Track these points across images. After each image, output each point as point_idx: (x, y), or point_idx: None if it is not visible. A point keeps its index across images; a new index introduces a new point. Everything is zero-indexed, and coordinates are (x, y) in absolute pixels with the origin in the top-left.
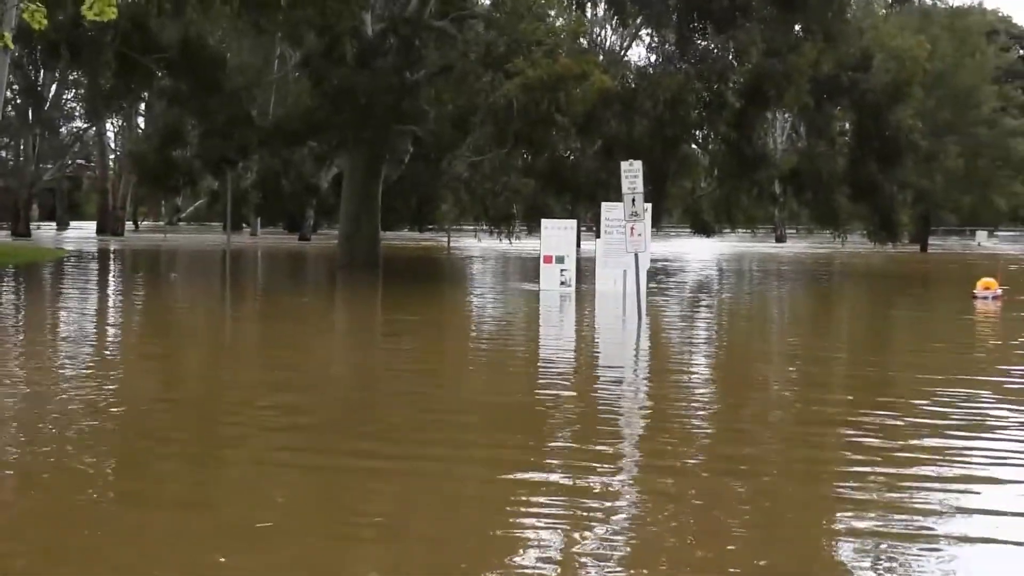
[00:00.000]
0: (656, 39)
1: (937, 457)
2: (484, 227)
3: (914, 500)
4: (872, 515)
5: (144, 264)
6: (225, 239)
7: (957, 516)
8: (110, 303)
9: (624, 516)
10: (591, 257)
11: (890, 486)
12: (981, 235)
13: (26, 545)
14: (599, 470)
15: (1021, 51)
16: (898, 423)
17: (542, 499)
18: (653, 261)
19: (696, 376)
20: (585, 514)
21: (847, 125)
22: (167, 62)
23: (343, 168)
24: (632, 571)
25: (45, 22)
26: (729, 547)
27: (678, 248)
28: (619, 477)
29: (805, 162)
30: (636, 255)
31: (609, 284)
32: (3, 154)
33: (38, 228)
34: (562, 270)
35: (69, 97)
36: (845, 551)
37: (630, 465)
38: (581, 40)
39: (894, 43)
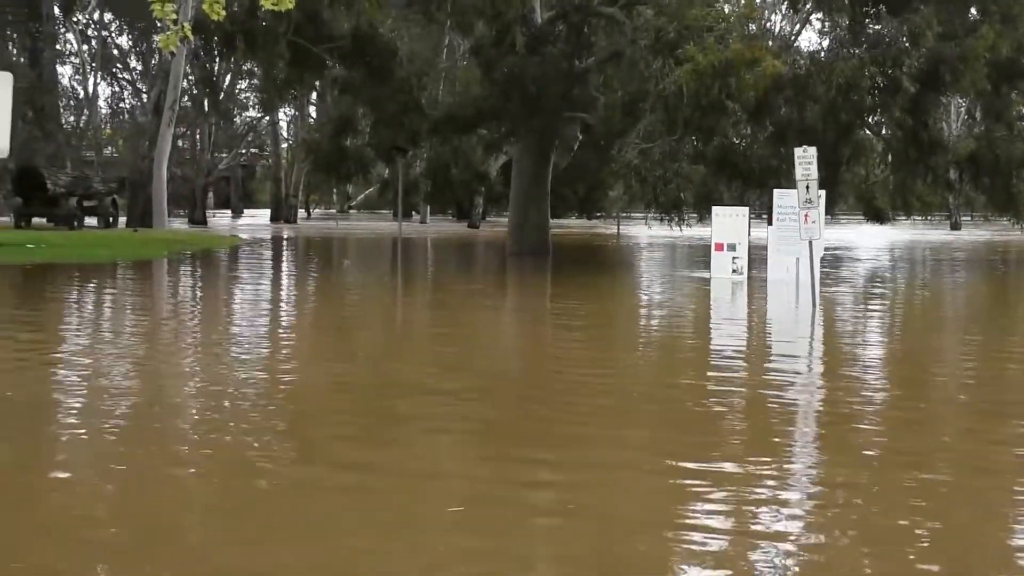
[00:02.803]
0: (828, 24)
1: None
2: (653, 214)
3: None
4: None
5: (317, 251)
6: (396, 226)
7: None
8: (284, 289)
9: (801, 508)
10: (763, 245)
11: None
12: None
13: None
14: (770, 461)
15: None
16: None
17: (715, 490)
18: (827, 249)
19: (871, 368)
20: (760, 503)
21: None
22: (339, 52)
23: (512, 156)
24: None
25: (223, 13)
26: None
27: (852, 235)
28: (794, 469)
29: (982, 147)
30: (810, 242)
31: (782, 272)
32: (180, 143)
33: (214, 215)
34: (734, 258)
35: (244, 87)
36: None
37: (800, 462)
38: (752, 26)
39: None
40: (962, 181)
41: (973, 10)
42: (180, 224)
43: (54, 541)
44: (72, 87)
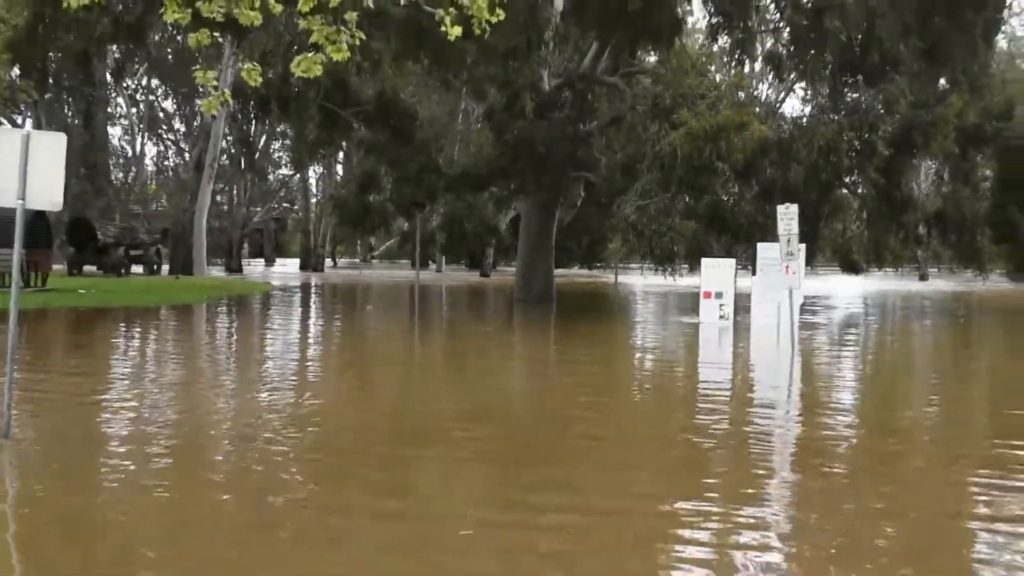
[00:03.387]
0: (810, 92)
1: None
2: (649, 265)
3: None
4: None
5: (342, 296)
6: (414, 275)
7: None
8: (311, 330)
9: (771, 527)
10: (748, 293)
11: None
12: None
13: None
14: (753, 492)
15: None
16: None
17: (703, 524)
18: (806, 297)
19: (843, 406)
20: (738, 527)
21: (988, 172)
22: (364, 115)
23: (521, 211)
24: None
25: (260, 79)
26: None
27: (829, 285)
28: (772, 493)
29: (949, 206)
30: (791, 291)
31: (764, 318)
32: (218, 198)
33: (248, 264)
34: (720, 304)
35: (277, 147)
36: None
37: (781, 489)
38: (740, 93)
39: None
40: (930, 236)
41: (943, 81)
42: (218, 272)
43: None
44: (121, 146)
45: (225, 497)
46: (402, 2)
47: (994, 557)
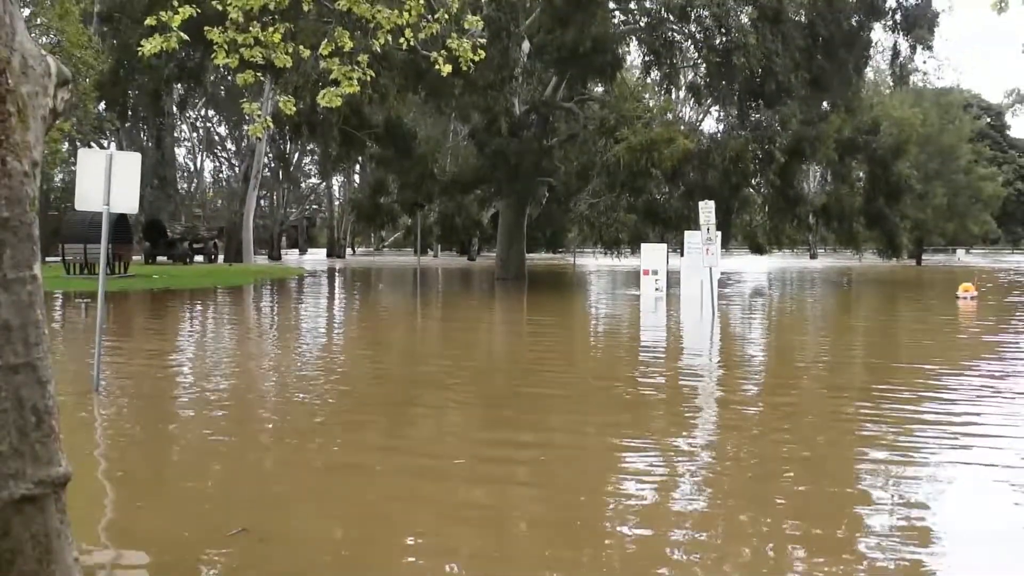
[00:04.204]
0: (722, 113)
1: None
2: (599, 249)
3: (912, 431)
4: (882, 445)
5: (360, 276)
6: (415, 259)
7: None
8: (336, 302)
9: (699, 450)
10: (677, 270)
11: (898, 427)
12: (960, 252)
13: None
14: (685, 423)
15: (988, 119)
16: (902, 389)
17: (647, 442)
18: (723, 273)
19: (753, 356)
20: (674, 452)
21: (861, 173)
22: (375, 136)
23: (499, 208)
24: (709, 492)
25: (293, 109)
26: (785, 475)
27: (740, 264)
28: (699, 423)
29: (831, 200)
30: (710, 269)
31: (690, 290)
32: (262, 202)
33: (286, 253)
34: (656, 280)
35: (307, 161)
36: (859, 470)
37: (706, 419)
38: (668, 115)
39: (896, 113)
40: (818, 224)
41: (825, 104)
42: (262, 260)
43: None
44: (185, 163)
45: (267, 439)
46: (404, 46)
47: (867, 465)
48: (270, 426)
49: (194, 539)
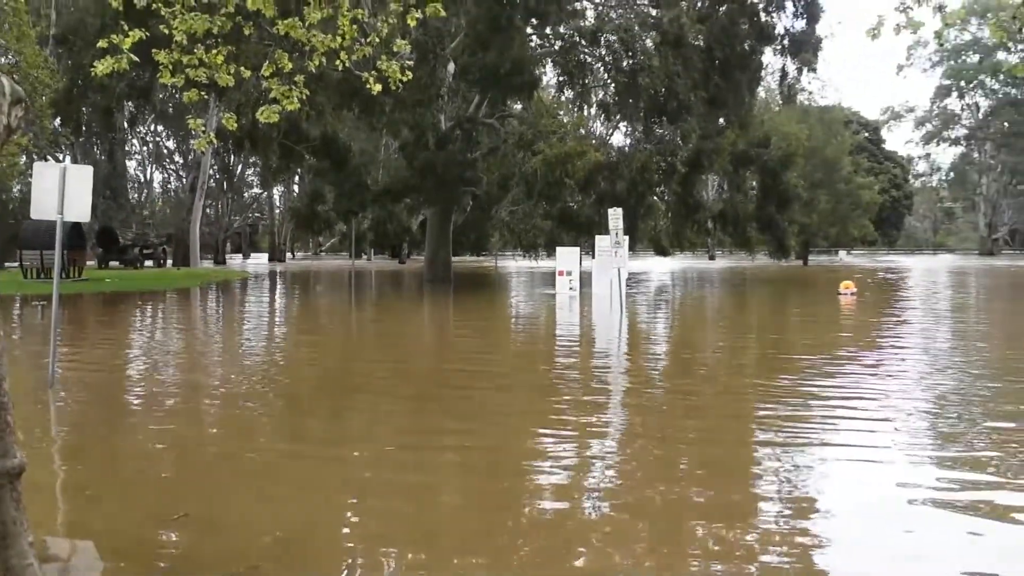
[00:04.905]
0: (629, 129)
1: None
2: (519, 252)
3: (799, 415)
4: (774, 431)
5: (299, 279)
6: (350, 263)
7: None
8: (277, 303)
9: (610, 429)
10: (589, 271)
11: (788, 413)
12: (842, 253)
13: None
14: (597, 406)
15: (866, 134)
16: (790, 374)
17: (563, 424)
18: (630, 273)
19: (657, 346)
20: (587, 432)
21: (754, 183)
22: (312, 149)
23: (427, 215)
24: (617, 460)
25: (236, 124)
26: (680, 446)
27: (646, 265)
28: (610, 405)
29: (727, 207)
30: (619, 270)
31: (601, 289)
32: (208, 211)
33: (231, 258)
34: (570, 280)
35: (250, 173)
36: (756, 451)
37: (616, 402)
38: (581, 130)
39: (784, 129)
40: (715, 228)
41: (721, 120)
42: (208, 264)
43: (127, 477)
44: (136, 175)
45: (212, 429)
46: (338, 67)
47: (760, 438)
48: (215, 417)
49: (140, 524)
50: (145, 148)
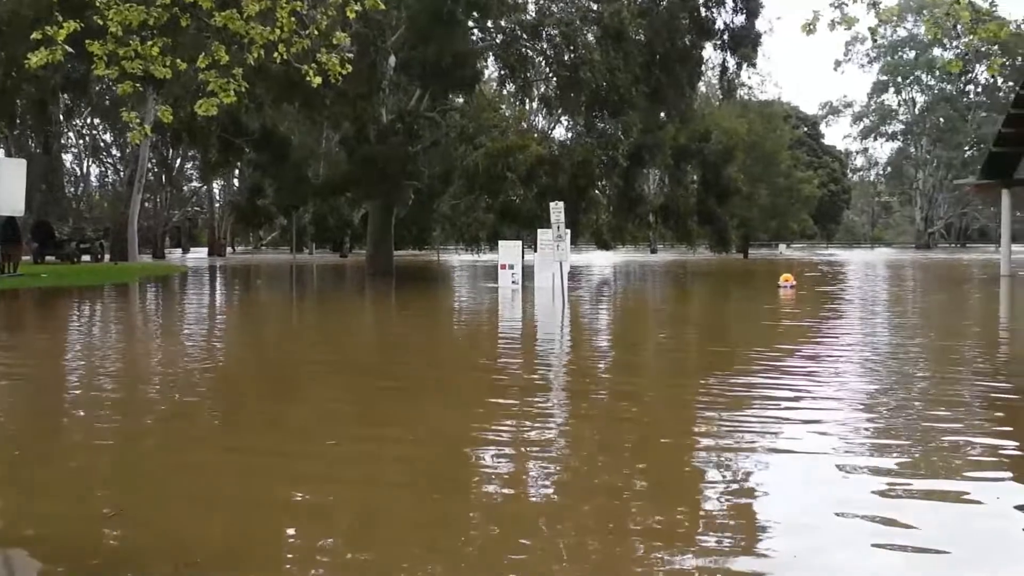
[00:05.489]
0: (571, 123)
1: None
2: (461, 246)
3: (732, 404)
4: (713, 418)
5: (239, 273)
6: (292, 257)
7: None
8: (216, 297)
9: (555, 420)
10: (531, 265)
11: (726, 400)
12: (782, 247)
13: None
14: (540, 397)
15: (805, 129)
16: (731, 367)
17: (504, 417)
18: (572, 267)
19: (600, 339)
20: (530, 424)
21: (695, 177)
22: (252, 142)
23: (368, 209)
24: (559, 452)
25: (171, 117)
26: (627, 446)
27: (588, 258)
28: (553, 399)
29: (668, 201)
30: (561, 263)
31: (543, 283)
32: (146, 204)
33: (170, 252)
34: (512, 273)
35: (189, 166)
36: (694, 440)
37: (559, 393)
38: (523, 124)
39: (725, 123)
40: (657, 222)
41: (662, 114)
42: (146, 258)
43: (55, 477)
44: (73, 168)
45: (149, 425)
46: (277, 60)
47: (701, 436)
48: (152, 413)
49: (73, 520)
50: (82, 141)
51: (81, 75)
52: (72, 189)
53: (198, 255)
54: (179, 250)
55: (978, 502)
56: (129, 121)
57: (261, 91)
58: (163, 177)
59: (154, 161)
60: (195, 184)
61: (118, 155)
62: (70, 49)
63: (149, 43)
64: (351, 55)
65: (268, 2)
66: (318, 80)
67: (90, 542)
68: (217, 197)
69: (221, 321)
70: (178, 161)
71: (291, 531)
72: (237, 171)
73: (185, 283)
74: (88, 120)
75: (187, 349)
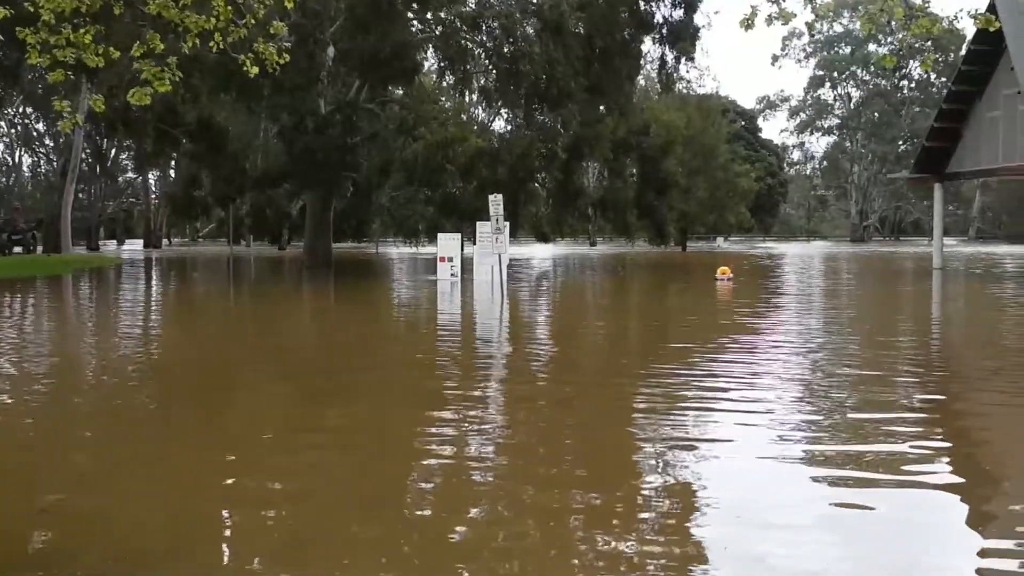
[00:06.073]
0: (511, 115)
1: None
2: (400, 239)
3: (676, 392)
4: (651, 410)
5: (176, 265)
6: (229, 249)
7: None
8: (152, 289)
9: (491, 409)
10: (470, 257)
11: (663, 390)
12: (720, 240)
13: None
14: (479, 388)
15: (743, 123)
16: (668, 361)
17: (445, 409)
18: (511, 260)
19: (539, 330)
20: (470, 417)
21: (634, 170)
22: (189, 133)
23: (306, 201)
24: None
25: (103, 107)
26: (567, 439)
27: (527, 251)
28: (491, 388)
29: (608, 194)
30: (500, 256)
31: (482, 275)
32: (80, 195)
33: (104, 244)
34: (452, 266)
35: (124, 157)
36: (631, 434)
37: (497, 386)
38: (463, 116)
39: (663, 117)
40: (596, 215)
41: (602, 107)
42: (80, 250)
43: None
44: (4, 158)
45: (83, 419)
46: (213, 49)
47: (638, 429)
48: (87, 407)
49: (4, 517)
50: (13, 131)
51: (12, 63)
52: (3, 180)
53: (133, 247)
54: (114, 242)
55: (905, 487)
56: (61, 110)
57: (198, 81)
58: (97, 168)
59: (88, 151)
60: (130, 175)
61: (51, 145)
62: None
63: (82, 30)
64: (289, 45)
65: None
66: (255, 70)
67: (20, 540)
68: (153, 188)
69: (156, 314)
70: (113, 151)
71: (227, 524)
72: (173, 162)
73: (120, 276)
74: (20, 108)
75: (126, 343)
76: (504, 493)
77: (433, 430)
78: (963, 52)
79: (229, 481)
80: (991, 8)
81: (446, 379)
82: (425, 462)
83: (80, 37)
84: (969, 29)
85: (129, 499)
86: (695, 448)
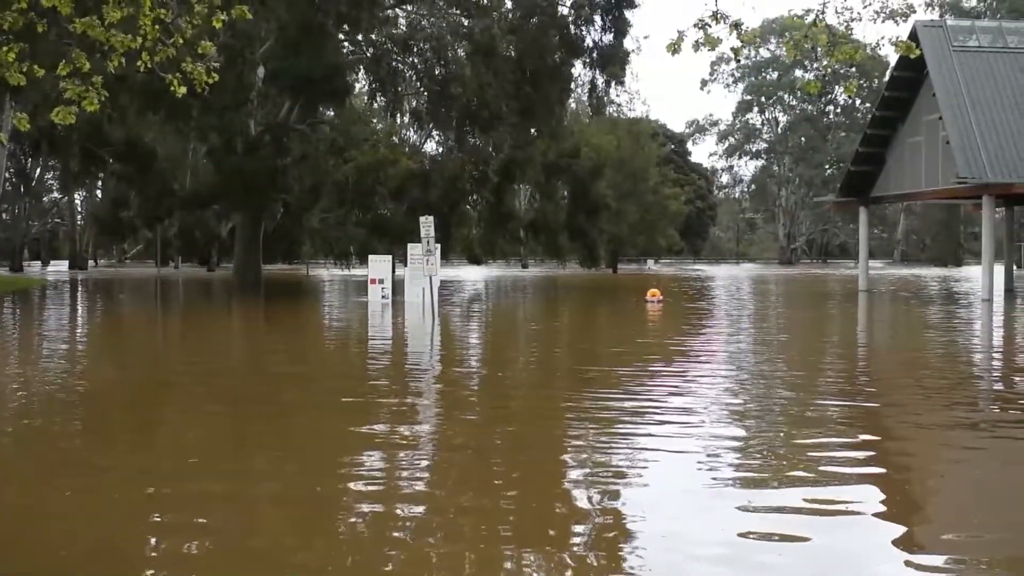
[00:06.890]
0: (442, 137)
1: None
2: (331, 260)
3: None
4: (582, 429)
5: (102, 287)
6: (156, 271)
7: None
8: (78, 311)
9: (423, 430)
10: (401, 279)
11: (598, 404)
12: (650, 262)
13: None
14: (407, 410)
15: (672, 146)
16: (600, 381)
17: (378, 424)
18: (443, 281)
19: (470, 354)
20: (400, 437)
21: (565, 193)
22: (116, 153)
23: (236, 222)
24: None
25: (28, 125)
26: (498, 456)
27: (459, 273)
28: (428, 404)
29: (539, 217)
30: (431, 278)
31: (414, 297)
32: (3, 215)
33: (28, 265)
34: (383, 288)
35: (49, 176)
36: (564, 448)
37: (427, 404)
38: (394, 138)
39: (594, 140)
40: (528, 237)
41: (533, 130)
42: (3, 271)
43: None
44: None
45: (6, 442)
46: (140, 69)
47: (571, 443)
48: (11, 429)
49: None
50: None
51: None
52: None
53: (58, 268)
54: (38, 263)
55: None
56: None
57: (125, 101)
58: (22, 187)
59: (12, 171)
60: (56, 195)
61: None
62: None
63: (4, 48)
64: (218, 65)
65: (131, 9)
66: (183, 90)
67: None
68: (79, 208)
69: (82, 338)
70: (38, 171)
71: (152, 545)
72: (100, 182)
73: (45, 297)
74: None
75: (51, 367)
76: (418, 543)
77: (363, 447)
78: (886, 78)
79: (151, 505)
80: (912, 36)
81: (380, 390)
82: (351, 475)
83: (3, 55)
84: (892, 56)
85: (55, 526)
86: (624, 475)
